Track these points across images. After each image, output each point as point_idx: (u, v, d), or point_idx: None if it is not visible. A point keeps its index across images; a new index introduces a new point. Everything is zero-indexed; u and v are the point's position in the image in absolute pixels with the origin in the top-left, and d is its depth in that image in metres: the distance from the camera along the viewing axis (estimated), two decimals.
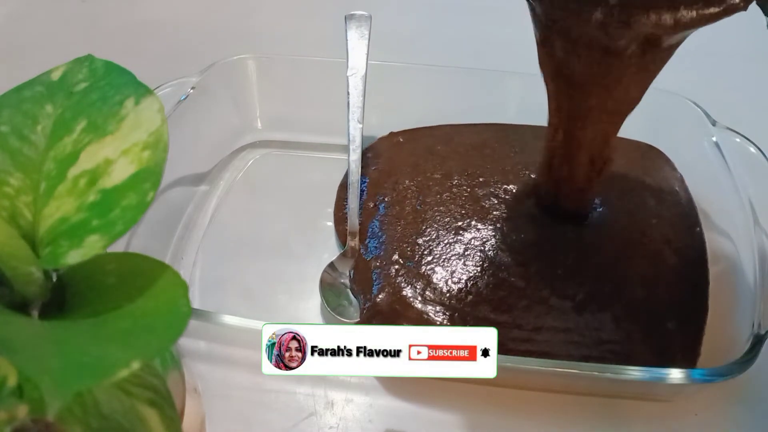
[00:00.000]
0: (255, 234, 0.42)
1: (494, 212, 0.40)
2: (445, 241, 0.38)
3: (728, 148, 0.39)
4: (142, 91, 0.21)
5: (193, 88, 0.43)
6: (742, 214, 0.36)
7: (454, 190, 0.42)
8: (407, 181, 0.42)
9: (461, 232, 0.39)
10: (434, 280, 0.36)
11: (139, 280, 0.19)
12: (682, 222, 0.38)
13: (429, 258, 0.37)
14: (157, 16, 0.63)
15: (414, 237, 0.39)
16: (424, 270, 0.36)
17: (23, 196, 0.20)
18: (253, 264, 0.40)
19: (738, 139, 0.39)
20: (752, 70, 0.54)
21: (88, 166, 0.20)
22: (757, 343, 0.29)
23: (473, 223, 0.39)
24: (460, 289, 0.35)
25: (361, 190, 0.43)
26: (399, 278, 0.36)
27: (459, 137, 0.46)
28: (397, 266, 0.37)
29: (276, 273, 0.40)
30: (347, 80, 0.42)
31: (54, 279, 0.20)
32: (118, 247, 0.32)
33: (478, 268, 0.36)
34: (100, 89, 0.22)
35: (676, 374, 0.29)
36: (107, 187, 0.19)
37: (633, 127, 0.43)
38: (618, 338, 0.33)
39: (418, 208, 0.41)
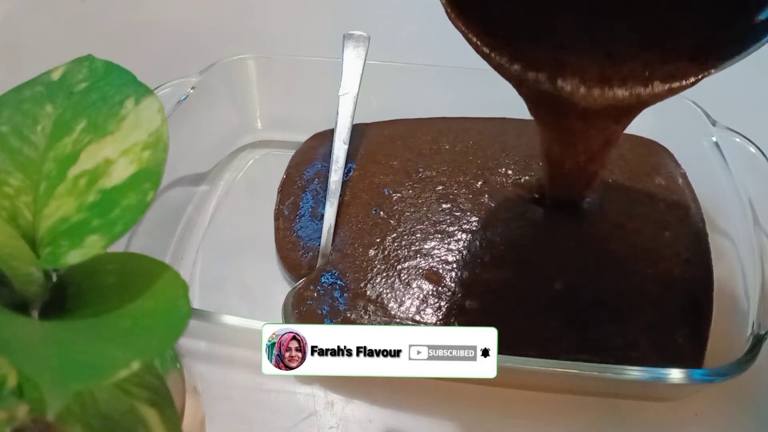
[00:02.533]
0: (255, 234, 0.42)
1: (468, 217, 0.39)
2: (395, 256, 0.37)
3: (728, 148, 0.39)
4: (142, 91, 0.21)
5: (193, 88, 0.43)
6: (742, 214, 0.36)
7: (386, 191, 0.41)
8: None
9: (411, 242, 0.37)
10: (385, 302, 0.35)
11: (139, 280, 0.19)
12: (687, 221, 0.38)
13: (378, 279, 0.36)
14: (157, 16, 0.63)
15: (350, 255, 0.37)
16: (369, 292, 0.35)
17: (23, 196, 0.20)
18: (253, 264, 0.40)
19: (738, 139, 0.39)
20: (752, 70, 0.53)
21: (88, 166, 0.20)
22: (757, 343, 0.29)
23: (428, 230, 0.38)
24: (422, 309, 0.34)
25: (291, 193, 0.42)
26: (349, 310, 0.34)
27: (412, 133, 0.45)
28: (339, 293, 0.35)
29: (276, 273, 0.40)
30: (338, 99, 0.42)
31: (54, 279, 0.20)
32: (118, 247, 0.32)
33: (451, 283, 0.35)
34: (100, 89, 0.22)
35: (676, 374, 0.29)
36: (107, 187, 0.19)
37: (632, 127, 0.43)
38: (622, 346, 0.33)
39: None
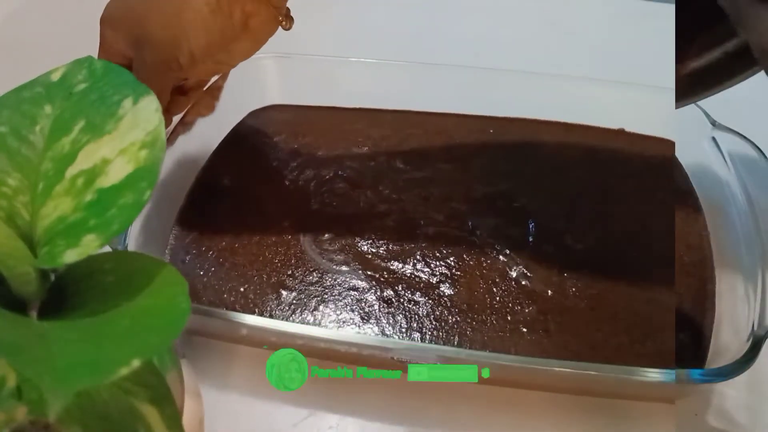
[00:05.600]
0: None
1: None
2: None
3: (728, 148, 0.39)
4: (140, 90, 0.21)
5: None
6: (742, 214, 0.36)
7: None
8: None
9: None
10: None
11: (137, 279, 0.19)
12: (688, 221, 0.38)
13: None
14: None
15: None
16: None
17: (21, 196, 0.20)
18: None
19: (738, 139, 0.39)
20: None
21: (85, 166, 0.20)
22: (757, 343, 0.29)
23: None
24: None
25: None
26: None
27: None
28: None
29: None
30: None
31: (53, 279, 0.20)
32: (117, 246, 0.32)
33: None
34: (99, 90, 0.22)
35: (676, 374, 0.29)
36: (104, 186, 0.19)
37: (633, 126, 0.43)
38: (625, 347, 0.33)
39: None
